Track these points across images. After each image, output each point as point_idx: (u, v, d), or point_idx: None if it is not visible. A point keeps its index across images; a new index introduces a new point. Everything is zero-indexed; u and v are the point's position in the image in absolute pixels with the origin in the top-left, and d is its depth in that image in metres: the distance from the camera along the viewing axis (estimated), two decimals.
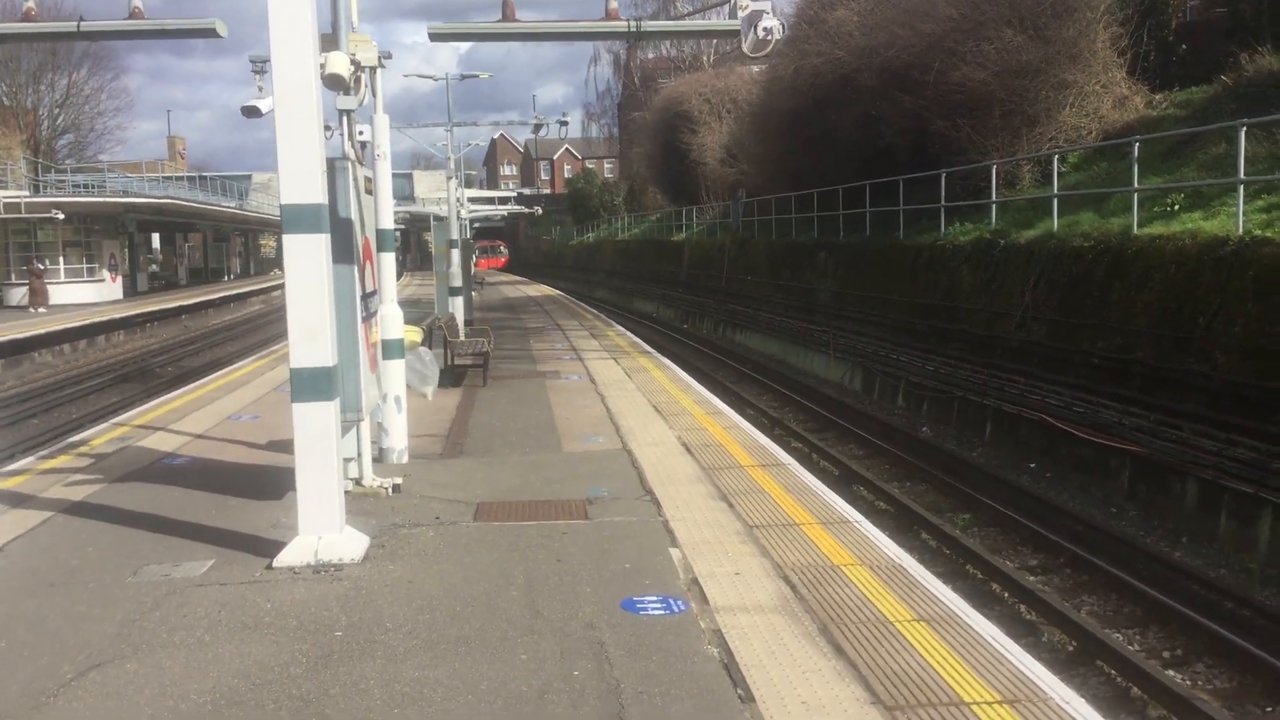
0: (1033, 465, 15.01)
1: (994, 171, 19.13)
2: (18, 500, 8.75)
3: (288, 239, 6.52)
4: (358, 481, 8.54)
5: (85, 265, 40.96)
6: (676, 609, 5.83)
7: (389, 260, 9.84)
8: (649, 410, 12.90)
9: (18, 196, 36.25)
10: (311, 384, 6.58)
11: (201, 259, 69.04)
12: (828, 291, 26.39)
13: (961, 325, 18.75)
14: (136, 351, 33.36)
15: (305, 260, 6.54)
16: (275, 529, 7.47)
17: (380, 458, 9.93)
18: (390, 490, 8.56)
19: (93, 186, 46.79)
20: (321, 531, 6.67)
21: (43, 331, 29.78)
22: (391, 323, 9.70)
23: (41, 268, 37.17)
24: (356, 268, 7.88)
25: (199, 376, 20.39)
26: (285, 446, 9.73)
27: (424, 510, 8.11)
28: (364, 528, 7.50)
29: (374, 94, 8.50)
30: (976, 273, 18.61)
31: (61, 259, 39.58)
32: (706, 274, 39.25)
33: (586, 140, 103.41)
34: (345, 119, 8.12)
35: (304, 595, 6.10)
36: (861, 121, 24.29)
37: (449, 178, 23.13)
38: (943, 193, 20.81)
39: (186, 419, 12.95)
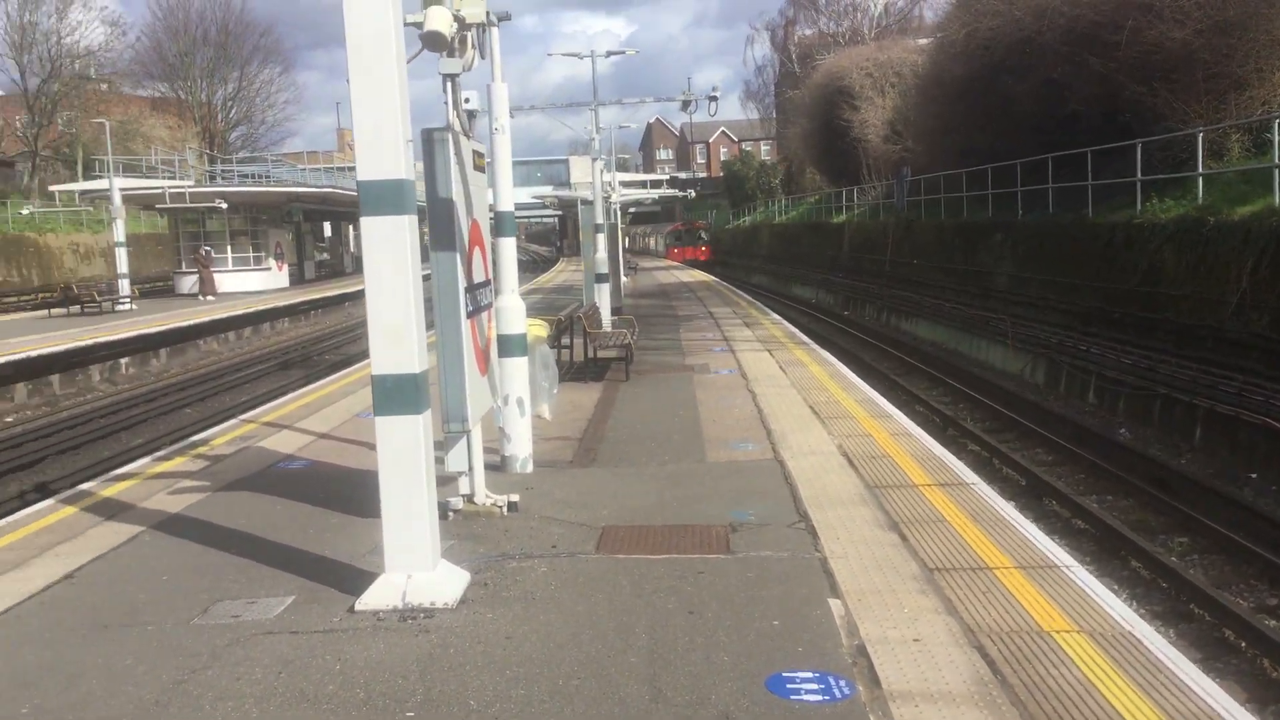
0: (1254, 476, 12.95)
1: (1200, 140, 16.86)
2: (114, 510, 8.07)
3: (366, 222, 5.46)
4: (469, 499, 7.50)
5: (252, 254, 41.85)
6: (839, 694, 4.51)
7: (508, 246, 8.78)
8: (805, 411, 11.52)
9: (182, 186, 37.17)
10: (396, 394, 5.51)
11: None
12: (1004, 275, 24.30)
13: (1164, 313, 16.62)
14: (299, 339, 33.75)
15: (386, 247, 5.47)
16: (372, 555, 6.47)
17: (502, 467, 8.90)
18: (505, 509, 7.49)
19: (260, 177, 47.98)
20: (411, 569, 5.62)
21: (207, 319, 30.27)
22: (510, 316, 8.63)
23: (209, 256, 38.06)
24: (460, 255, 6.80)
25: (356, 363, 19.99)
26: None
27: (540, 536, 6.99)
28: (468, 559, 6.43)
29: (483, 56, 7.40)
30: (1181, 254, 16.43)
31: (229, 248, 40.48)
32: (869, 258, 37.30)
33: (743, 123, 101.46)
34: (449, 85, 7.04)
35: (381, 654, 5.03)
36: (1042, 89, 22.10)
37: (594, 159, 22.11)
38: (1139, 165, 18.58)
39: (314, 416, 12.27)
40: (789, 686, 4.57)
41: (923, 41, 41.57)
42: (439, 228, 6.79)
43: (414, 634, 5.25)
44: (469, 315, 7.01)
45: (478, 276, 7.42)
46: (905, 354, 25.45)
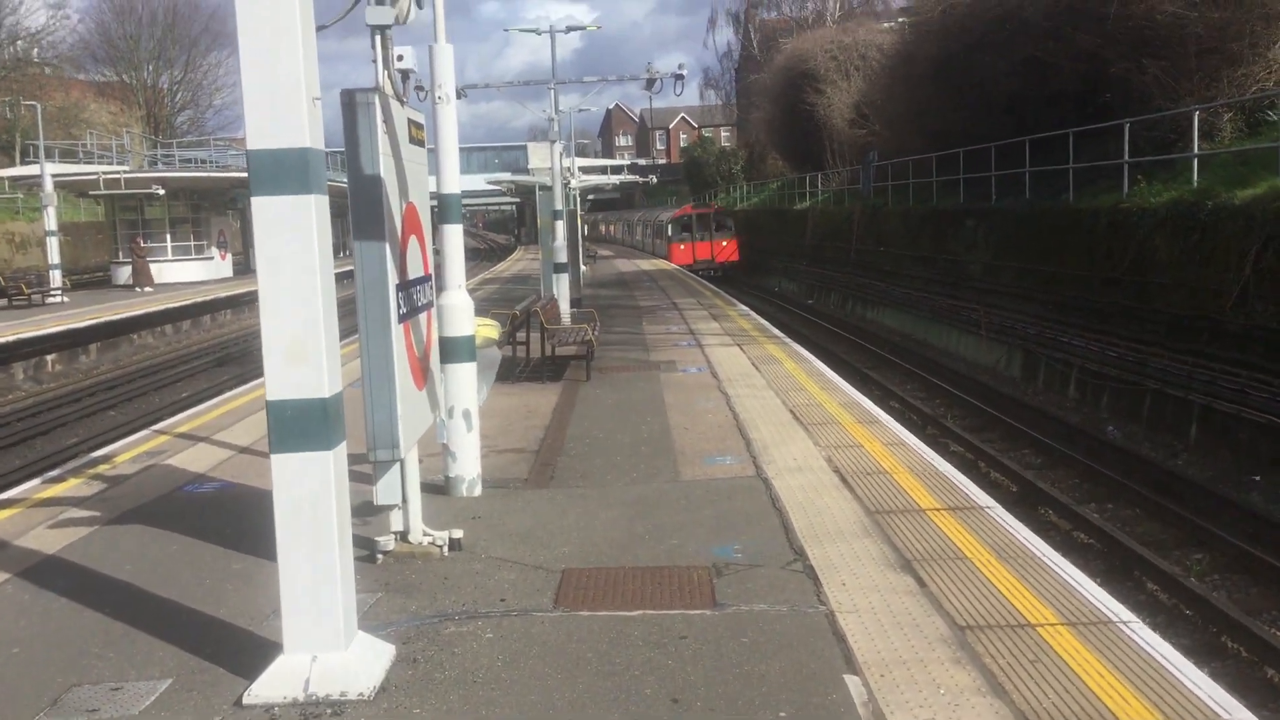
0: (1258, 479, 12.05)
1: (1195, 119, 15.95)
2: None
3: (258, 203, 4.26)
4: (402, 537, 6.30)
5: (194, 242, 40.04)
6: None
7: (455, 235, 7.58)
8: (785, 416, 10.42)
9: (117, 172, 35.34)
10: (298, 425, 4.32)
11: None
12: (977, 264, 23.38)
13: (1154, 303, 15.72)
14: (242, 332, 32.12)
15: (285, 234, 4.27)
16: (277, 618, 5.25)
17: (446, 489, 7.72)
18: (446, 548, 6.30)
19: (204, 162, 46.06)
20: (317, 648, 4.43)
21: (141, 312, 28.65)
22: (456, 316, 7.42)
23: (145, 245, 36.28)
24: (391, 246, 5.60)
25: None
26: None
27: (487, 585, 5.81)
28: (396, 622, 5.25)
29: (420, 6, 6.19)
30: (1175, 241, 15.52)
31: (169, 236, 38.64)
32: (834, 245, 36.33)
33: (704, 108, 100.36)
34: (378, 39, 5.83)
35: None
36: (1023, 67, 21.14)
37: (552, 141, 20.85)
38: (1126, 147, 17.66)
39: (239, 425, 10.99)
40: None
41: (888, 25, 40.67)
42: (364, 212, 5.59)
43: None
44: (402, 319, 5.82)
45: (414, 271, 6.22)
46: (874, 345, 24.50)
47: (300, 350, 4.28)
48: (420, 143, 6.53)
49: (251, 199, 4.24)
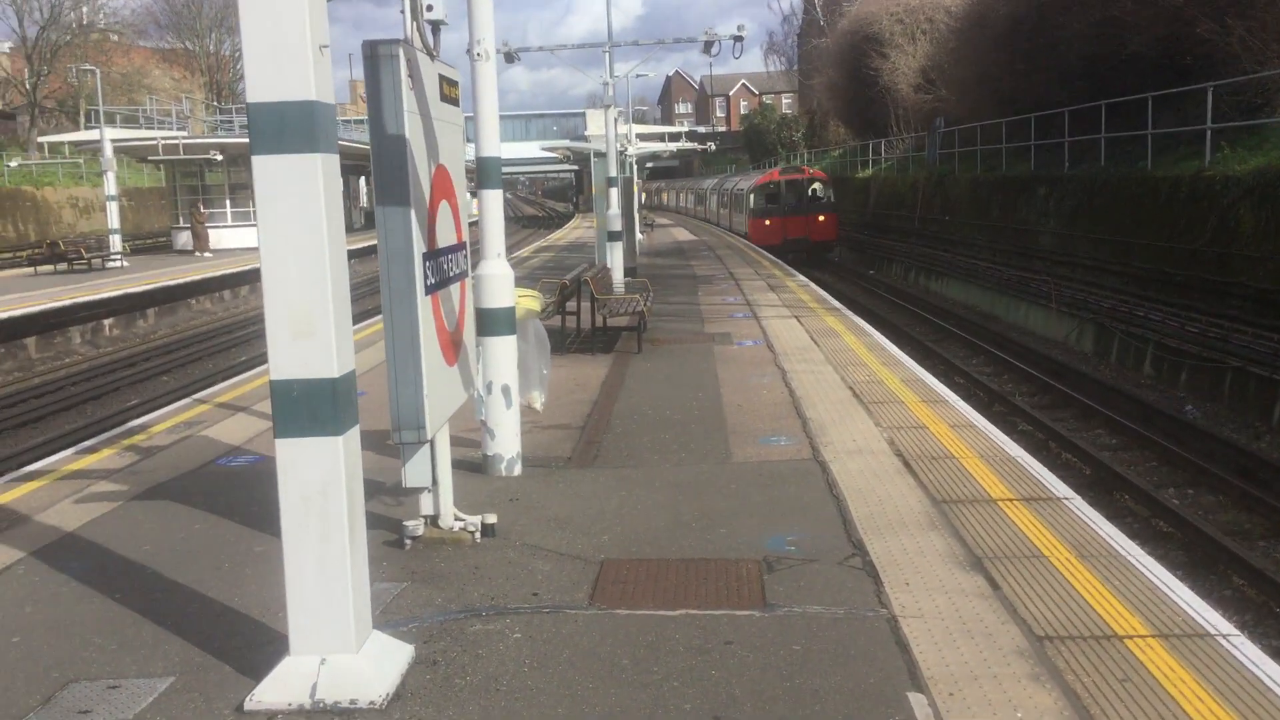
0: None
1: None
2: (3, 524, 6.54)
3: (259, 162, 3.85)
4: (432, 521, 5.91)
5: (253, 209, 40.14)
6: None
7: (493, 200, 7.15)
8: (844, 394, 9.89)
9: (176, 137, 35.46)
10: (305, 407, 3.92)
11: None
12: (1049, 233, 22.50)
13: (1237, 277, 14.88)
14: None
15: (289, 197, 3.86)
16: None
17: (484, 468, 7.34)
18: (478, 534, 5.91)
19: None
20: (325, 650, 4.05)
21: (198, 277, 28.75)
22: (495, 286, 7.00)
23: (204, 211, 36.43)
24: (417, 212, 5.17)
25: (354, 323, 18.42)
26: (378, 441, 7.31)
27: (520, 576, 5.41)
28: (419, 616, 4.86)
29: None
30: (1261, 211, 14.65)
31: (228, 202, 38.81)
32: (896, 214, 35.43)
33: (765, 75, 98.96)
34: None
35: None
36: (1098, 28, 20.17)
37: (606, 107, 20.33)
38: (1209, 111, 16.72)
39: None
40: None
41: None
42: (387, 175, 5.16)
43: None
44: (430, 290, 5.40)
45: (445, 239, 5.80)
46: (937, 317, 23.75)
47: (307, 325, 3.88)
48: (454, 101, 6.09)
49: (252, 158, 3.83)
